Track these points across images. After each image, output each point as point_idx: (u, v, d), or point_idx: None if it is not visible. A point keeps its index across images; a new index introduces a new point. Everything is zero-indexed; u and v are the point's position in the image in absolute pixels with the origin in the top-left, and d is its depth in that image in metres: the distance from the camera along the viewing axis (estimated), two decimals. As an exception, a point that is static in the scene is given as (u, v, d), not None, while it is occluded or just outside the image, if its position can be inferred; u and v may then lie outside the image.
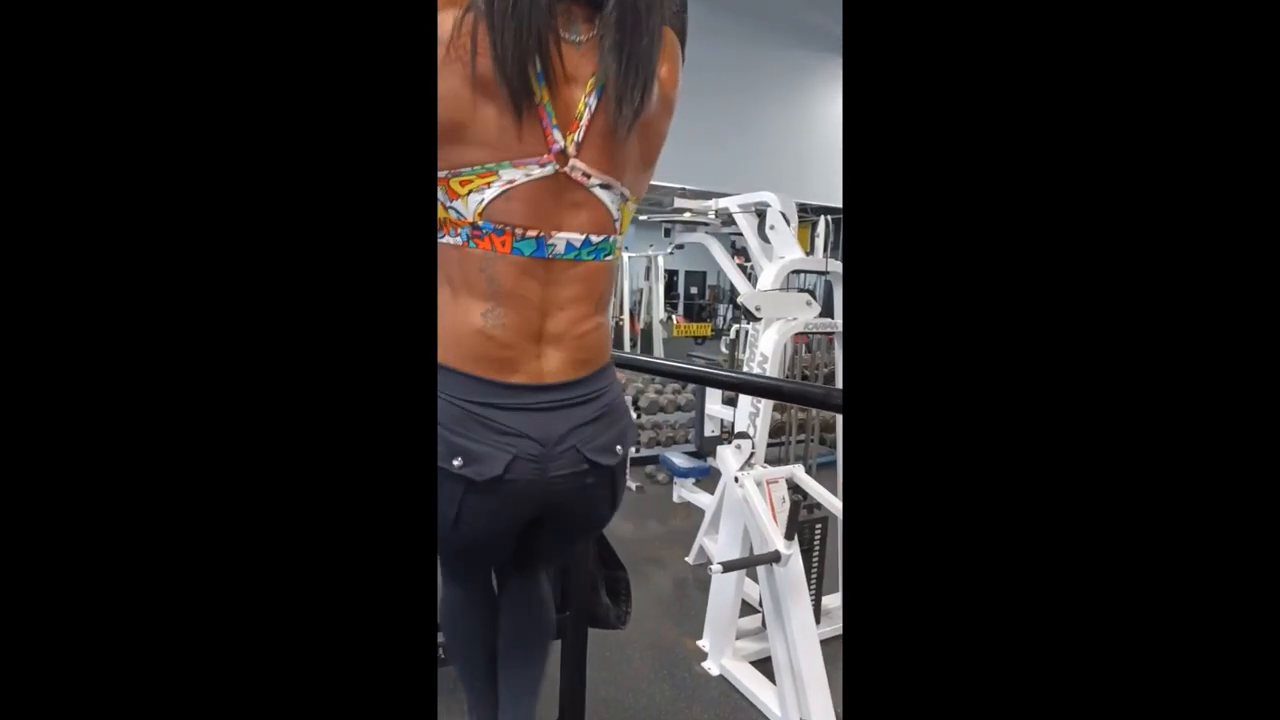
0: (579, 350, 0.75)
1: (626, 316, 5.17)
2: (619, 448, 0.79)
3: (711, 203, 2.62)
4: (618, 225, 0.76)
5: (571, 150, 0.69)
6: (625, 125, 0.69)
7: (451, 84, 0.65)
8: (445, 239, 0.71)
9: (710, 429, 3.01)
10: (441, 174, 0.68)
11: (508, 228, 0.69)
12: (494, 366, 0.72)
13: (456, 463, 0.70)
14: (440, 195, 0.69)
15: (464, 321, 0.71)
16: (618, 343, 4.89)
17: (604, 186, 0.72)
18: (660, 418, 4.15)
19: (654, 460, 3.76)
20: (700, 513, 2.98)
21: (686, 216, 2.73)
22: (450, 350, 0.72)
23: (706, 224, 2.74)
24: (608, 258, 0.76)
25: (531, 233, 0.70)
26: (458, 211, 0.69)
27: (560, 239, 0.72)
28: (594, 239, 0.74)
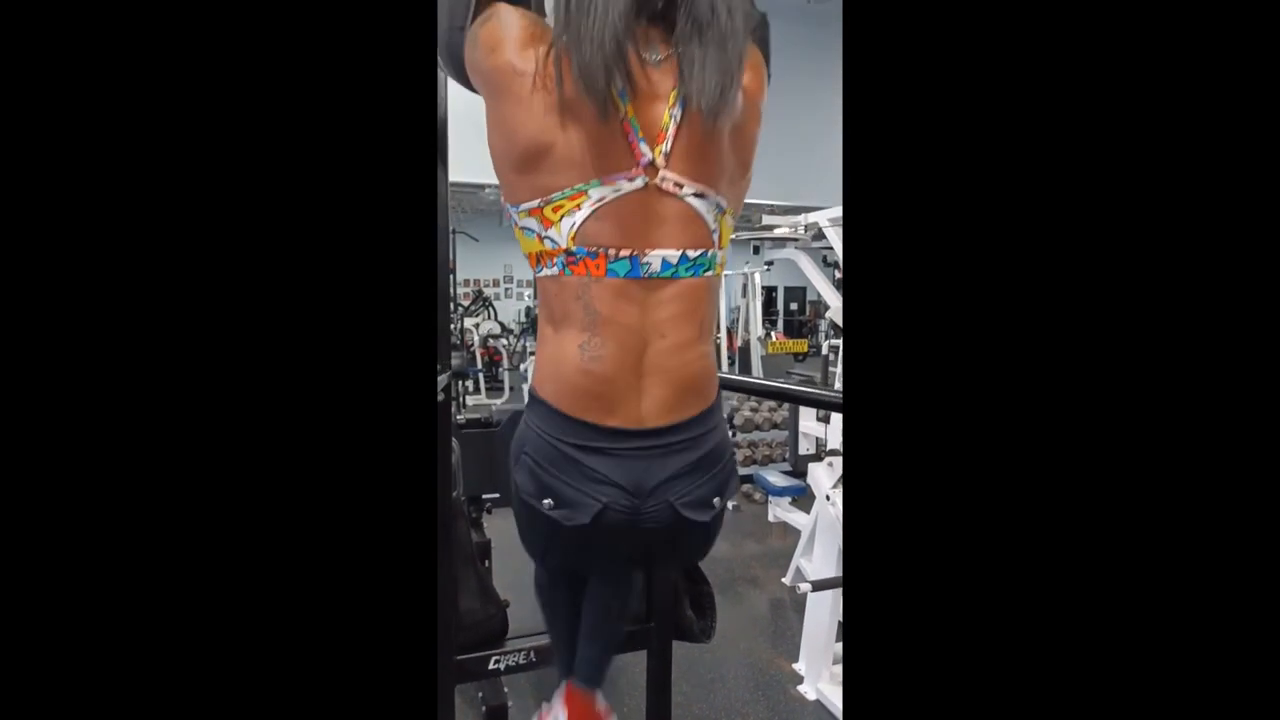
0: (682, 384, 0.73)
1: (724, 334, 5.16)
2: (717, 500, 0.76)
3: (801, 218, 2.60)
4: (716, 238, 0.74)
5: (660, 161, 0.69)
6: (709, 128, 0.69)
7: (538, 110, 0.67)
8: (543, 271, 0.72)
9: (805, 446, 2.96)
10: (535, 203, 0.69)
11: (600, 249, 0.69)
12: (591, 405, 0.71)
13: (547, 503, 0.72)
14: (535, 226, 0.70)
15: (563, 355, 0.71)
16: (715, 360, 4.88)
17: (698, 196, 0.71)
18: (755, 435, 4.11)
19: (749, 479, 3.72)
20: (797, 532, 2.92)
21: (776, 232, 2.72)
22: (549, 384, 0.72)
23: (796, 240, 2.71)
24: (708, 273, 0.74)
25: (625, 252, 0.69)
26: (552, 240, 0.70)
27: (655, 256, 0.70)
28: (691, 254, 0.72)
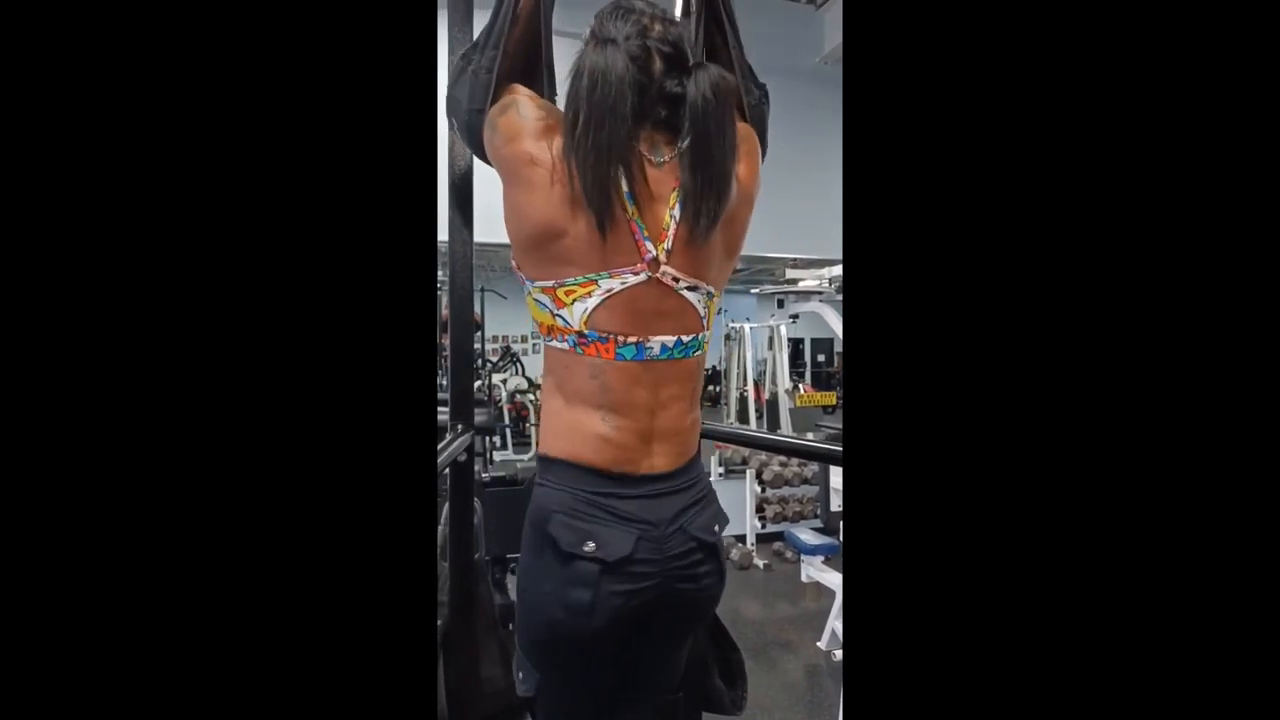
0: (679, 445, 0.83)
1: (751, 387, 5.13)
2: (716, 527, 0.85)
3: (824, 271, 2.60)
4: (704, 322, 0.82)
5: (662, 258, 0.77)
6: (703, 233, 0.76)
7: (552, 200, 0.73)
8: (554, 343, 0.79)
9: (837, 503, 2.87)
10: (549, 284, 0.77)
11: (610, 335, 0.76)
12: (616, 461, 0.79)
13: (589, 547, 0.76)
14: (548, 303, 0.78)
15: (583, 422, 0.79)
16: (742, 415, 4.83)
17: (691, 289, 0.79)
18: (785, 491, 4.01)
19: (780, 537, 3.62)
20: (832, 593, 2.81)
21: (800, 285, 2.72)
22: (568, 445, 0.80)
23: (820, 293, 2.71)
24: (697, 354, 0.83)
25: (632, 338, 0.77)
26: (564, 319, 0.77)
27: (656, 342, 0.78)
28: (685, 339, 0.80)
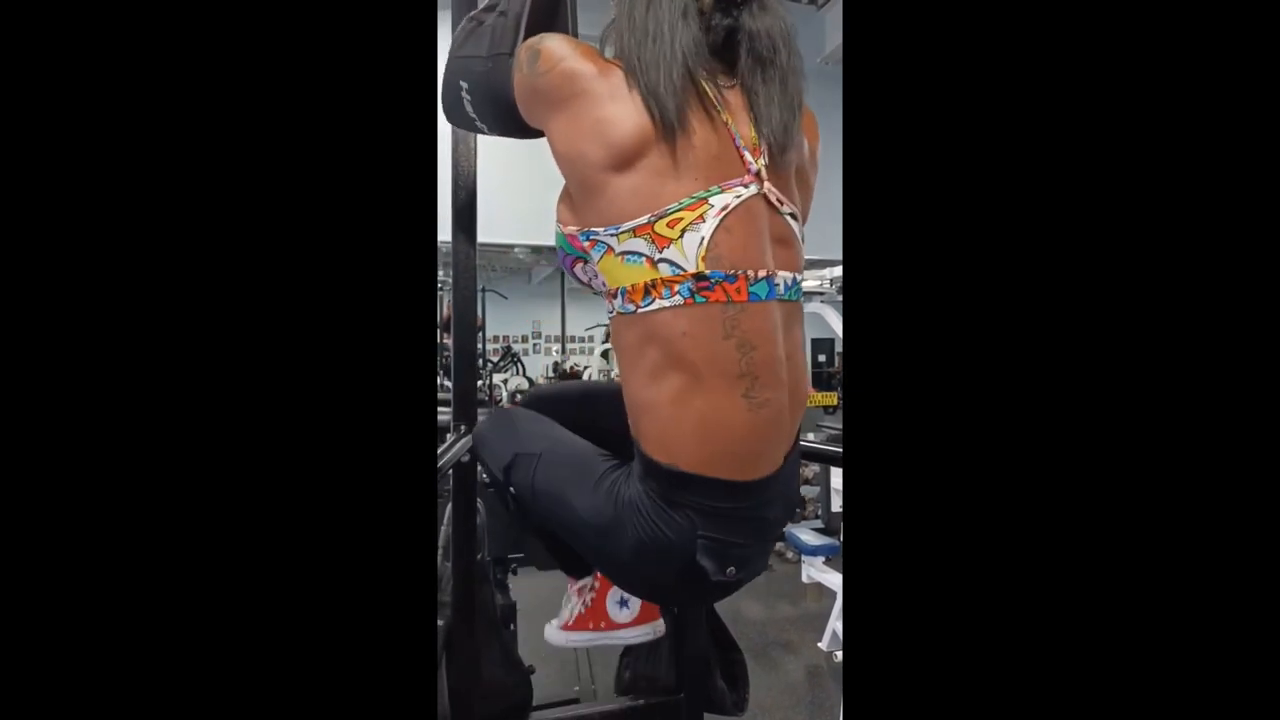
0: (800, 411, 0.70)
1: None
2: None
3: (825, 271, 2.60)
4: (802, 261, 0.71)
5: (764, 173, 0.65)
6: (780, 145, 0.66)
7: (640, 106, 0.62)
8: (655, 304, 0.62)
9: (837, 503, 2.87)
10: (643, 219, 0.61)
11: (739, 271, 0.61)
12: (761, 460, 0.65)
13: (730, 570, 0.67)
14: (644, 249, 0.62)
15: (720, 411, 0.62)
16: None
17: (793, 216, 0.68)
18: (787, 492, 4.00)
19: (781, 537, 3.62)
20: (833, 594, 2.81)
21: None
22: (702, 453, 0.63)
23: (822, 294, 2.71)
24: (800, 298, 0.71)
25: (762, 272, 0.63)
26: (672, 264, 0.61)
27: (781, 278, 0.65)
28: (798, 277, 0.69)
